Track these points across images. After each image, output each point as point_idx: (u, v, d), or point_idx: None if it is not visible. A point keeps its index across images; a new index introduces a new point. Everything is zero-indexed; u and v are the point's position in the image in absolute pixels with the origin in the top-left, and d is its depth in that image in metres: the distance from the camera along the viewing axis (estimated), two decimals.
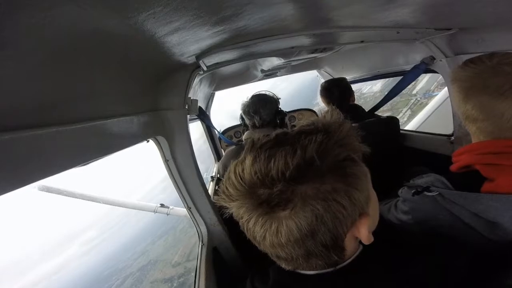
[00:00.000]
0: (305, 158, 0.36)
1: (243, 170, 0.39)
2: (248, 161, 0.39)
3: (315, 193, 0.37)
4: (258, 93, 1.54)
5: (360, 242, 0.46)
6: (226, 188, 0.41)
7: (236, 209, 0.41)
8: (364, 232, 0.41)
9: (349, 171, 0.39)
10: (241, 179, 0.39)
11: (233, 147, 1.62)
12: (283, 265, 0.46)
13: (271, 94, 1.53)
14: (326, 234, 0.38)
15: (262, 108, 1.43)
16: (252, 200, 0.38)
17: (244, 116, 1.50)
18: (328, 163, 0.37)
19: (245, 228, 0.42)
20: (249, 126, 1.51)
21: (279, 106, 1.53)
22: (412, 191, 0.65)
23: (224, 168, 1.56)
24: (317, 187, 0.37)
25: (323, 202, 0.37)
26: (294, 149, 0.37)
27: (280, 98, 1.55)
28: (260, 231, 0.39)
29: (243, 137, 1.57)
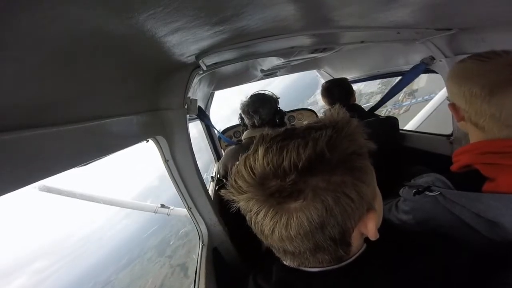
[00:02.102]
0: (316, 150, 0.37)
1: (255, 161, 0.39)
2: (260, 152, 0.39)
3: (326, 185, 0.37)
4: (257, 92, 1.54)
5: (365, 240, 0.46)
6: (235, 181, 0.41)
7: (245, 202, 0.41)
8: (371, 227, 0.42)
9: (356, 165, 0.39)
10: (251, 171, 0.39)
11: (233, 146, 1.61)
12: (287, 261, 0.46)
13: (270, 94, 1.54)
14: (335, 228, 0.39)
15: (262, 107, 1.43)
16: (262, 192, 0.38)
17: (243, 116, 1.51)
18: (337, 156, 0.38)
19: (252, 222, 0.42)
20: (249, 125, 1.51)
21: (279, 106, 1.53)
22: (413, 191, 0.65)
23: (224, 168, 1.56)
24: (327, 179, 0.37)
25: (332, 194, 0.37)
26: (306, 141, 0.38)
27: (279, 98, 1.55)
28: (270, 224, 0.39)
29: (243, 136, 1.57)
